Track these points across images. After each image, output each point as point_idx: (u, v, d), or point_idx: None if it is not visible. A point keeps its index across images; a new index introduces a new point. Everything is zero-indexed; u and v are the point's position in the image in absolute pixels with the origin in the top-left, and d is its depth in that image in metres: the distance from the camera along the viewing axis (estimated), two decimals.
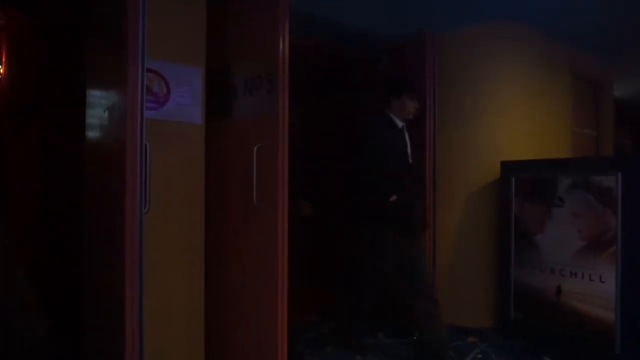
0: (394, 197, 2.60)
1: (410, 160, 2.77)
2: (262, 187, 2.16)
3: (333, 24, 3.04)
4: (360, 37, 3.21)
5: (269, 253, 2.14)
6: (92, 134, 2.39)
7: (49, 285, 2.60)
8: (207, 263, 2.41)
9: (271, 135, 2.14)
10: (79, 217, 2.40)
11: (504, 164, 3.12)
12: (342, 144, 3.50)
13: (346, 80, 3.72)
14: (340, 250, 3.52)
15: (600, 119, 4.56)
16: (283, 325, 2.13)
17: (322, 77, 3.94)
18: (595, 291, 2.56)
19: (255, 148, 2.18)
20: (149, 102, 2.20)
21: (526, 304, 2.94)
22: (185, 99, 2.36)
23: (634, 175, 2.45)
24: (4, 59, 2.94)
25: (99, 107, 2.29)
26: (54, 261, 2.81)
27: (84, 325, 2.35)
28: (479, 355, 2.80)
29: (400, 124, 2.76)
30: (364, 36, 3.19)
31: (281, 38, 2.13)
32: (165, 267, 2.25)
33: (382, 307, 2.89)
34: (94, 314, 2.28)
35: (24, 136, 3.03)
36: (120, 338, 1.82)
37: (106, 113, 2.19)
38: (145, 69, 1.87)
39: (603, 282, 2.53)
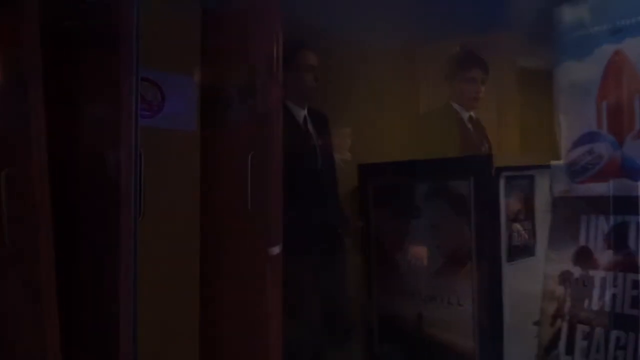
0: None
1: None
2: (257, 195, 2.44)
3: None
4: None
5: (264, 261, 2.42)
6: (86, 142, 2.52)
7: None
8: (202, 270, 2.65)
9: (264, 143, 2.44)
10: (72, 225, 2.54)
11: (362, 168, 3.12)
12: None
13: None
14: None
15: (502, 99, 4.82)
16: (278, 332, 2.43)
17: None
18: (454, 316, 2.65)
19: (250, 156, 2.42)
20: (142, 110, 2.47)
21: (391, 335, 3.03)
22: (180, 108, 2.67)
23: (488, 180, 2.56)
24: None
25: (93, 114, 2.48)
26: None
27: (74, 336, 2.42)
28: None
29: None
30: None
31: (275, 45, 2.41)
32: (159, 274, 2.48)
33: None
34: (85, 323, 2.45)
35: None
36: (115, 347, 2.10)
37: (101, 121, 2.40)
38: (140, 78, 2.14)
39: (461, 305, 2.65)
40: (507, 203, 2.57)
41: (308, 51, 2.63)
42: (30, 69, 2.13)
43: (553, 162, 2.87)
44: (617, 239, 2.64)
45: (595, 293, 2.63)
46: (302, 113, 2.66)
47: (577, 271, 2.70)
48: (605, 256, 2.64)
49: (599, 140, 2.70)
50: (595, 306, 2.61)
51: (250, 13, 2.59)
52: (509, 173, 2.57)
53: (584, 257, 2.70)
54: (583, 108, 2.77)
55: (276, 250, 2.48)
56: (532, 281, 2.74)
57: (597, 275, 2.64)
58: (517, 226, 2.65)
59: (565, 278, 2.73)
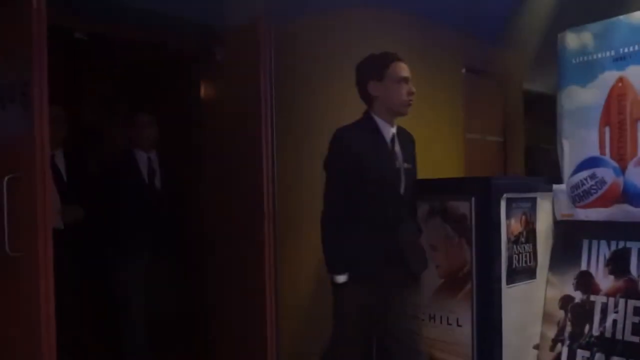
0: None
1: None
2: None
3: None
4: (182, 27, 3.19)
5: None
6: None
7: None
8: None
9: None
10: None
11: None
12: None
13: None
14: None
15: (508, 121, 4.83)
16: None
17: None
18: (453, 337, 2.63)
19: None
20: None
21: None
22: None
23: (488, 201, 2.55)
24: None
25: None
26: None
27: None
28: None
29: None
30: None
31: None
32: None
33: None
34: None
35: None
36: None
37: None
38: None
39: (460, 325, 2.62)
40: (508, 225, 2.58)
41: (401, 62, 2.35)
42: (35, 75, 2.13)
43: (555, 186, 2.90)
44: (619, 264, 2.65)
45: (596, 318, 2.63)
46: (390, 131, 2.34)
47: (578, 295, 2.71)
48: (606, 281, 2.65)
49: (602, 165, 2.72)
50: (595, 331, 2.61)
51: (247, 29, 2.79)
52: (510, 195, 2.59)
53: (585, 281, 2.70)
54: (586, 133, 2.80)
55: (342, 278, 2.27)
56: (533, 304, 2.74)
57: (598, 300, 2.64)
58: (517, 248, 2.67)
59: (566, 302, 2.74)
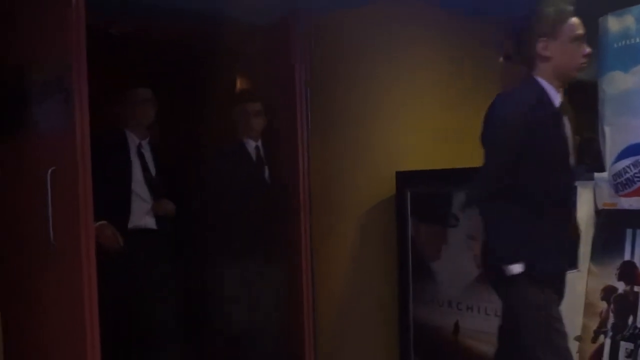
0: None
1: None
2: None
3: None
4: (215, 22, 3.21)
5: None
6: None
7: None
8: None
9: None
10: None
11: (400, 175, 3.14)
12: None
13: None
14: None
15: None
16: None
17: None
18: (491, 328, 2.62)
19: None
20: None
21: (426, 346, 3.00)
22: None
23: None
24: None
25: None
26: None
27: None
28: None
29: None
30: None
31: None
32: None
33: None
34: None
35: None
36: None
37: None
38: None
39: (498, 316, 2.61)
40: None
41: (576, 18, 2.04)
42: (75, 69, 2.19)
43: (597, 174, 2.84)
44: None
45: None
46: (558, 97, 2.08)
47: (621, 286, 2.64)
48: None
49: None
50: None
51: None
52: None
53: (628, 271, 2.64)
54: (629, 119, 2.73)
55: (518, 268, 1.95)
56: (573, 295, 2.69)
57: None
58: None
59: (608, 293, 2.68)
